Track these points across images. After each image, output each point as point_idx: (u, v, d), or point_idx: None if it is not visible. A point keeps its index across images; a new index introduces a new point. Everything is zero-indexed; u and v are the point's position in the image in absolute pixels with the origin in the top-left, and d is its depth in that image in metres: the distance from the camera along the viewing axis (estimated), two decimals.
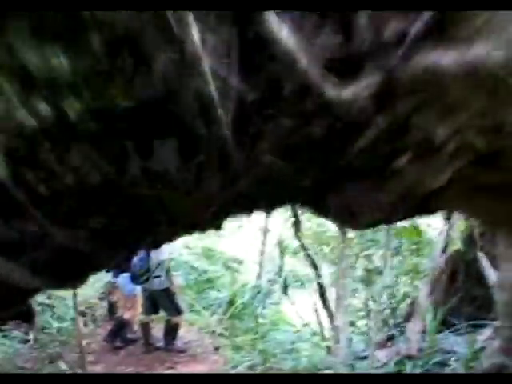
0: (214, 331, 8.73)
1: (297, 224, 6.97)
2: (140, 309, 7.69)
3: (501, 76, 1.58)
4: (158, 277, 7.30)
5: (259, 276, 11.71)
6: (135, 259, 7.27)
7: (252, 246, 15.68)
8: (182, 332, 8.03)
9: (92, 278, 7.97)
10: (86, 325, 9.10)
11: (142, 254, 7.25)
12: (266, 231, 14.04)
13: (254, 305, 9.54)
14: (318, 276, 6.71)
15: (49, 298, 8.86)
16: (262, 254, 12.84)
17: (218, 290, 10.55)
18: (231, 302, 9.21)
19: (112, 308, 8.53)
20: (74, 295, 6.37)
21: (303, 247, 7.33)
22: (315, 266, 6.92)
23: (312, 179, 2.00)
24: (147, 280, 7.27)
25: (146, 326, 7.63)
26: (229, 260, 14.23)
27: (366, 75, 1.56)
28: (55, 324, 8.32)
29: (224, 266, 13.75)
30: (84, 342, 7.20)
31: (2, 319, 3.17)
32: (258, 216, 10.51)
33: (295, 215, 6.98)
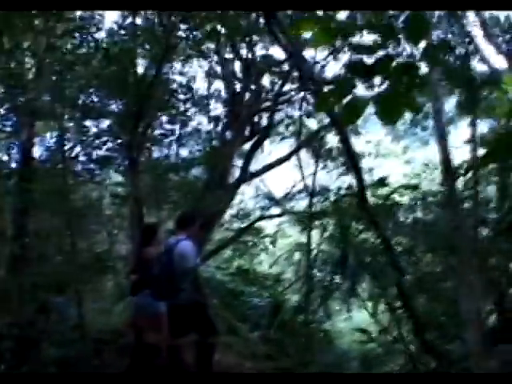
0: (254, 353, 7.13)
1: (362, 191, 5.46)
2: (166, 330, 6.09)
3: None
4: (185, 290, 5.72)
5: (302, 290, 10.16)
6: (156, 270, 5.75)
7: (288, 262, 14.19)
8: (217, 357, 6.39)
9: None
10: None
11: (164, 262, 5.73)
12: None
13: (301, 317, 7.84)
14: (396, 262, 5.13)
15: None
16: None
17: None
18: (275, 312, 7.40)
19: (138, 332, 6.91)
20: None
21: (371, 220, 5.75)
22: (393, 256, 5.37)
23: None
24: (173, 295, 5.69)
25: (174, 352, 6.00)
26: (265, 278, 12.59)
27: None
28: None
29: (261, 285, 12.13)
30: None
31: None
32: (292, 231, 9.06)
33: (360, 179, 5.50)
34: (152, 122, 10.99)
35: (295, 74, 12.43)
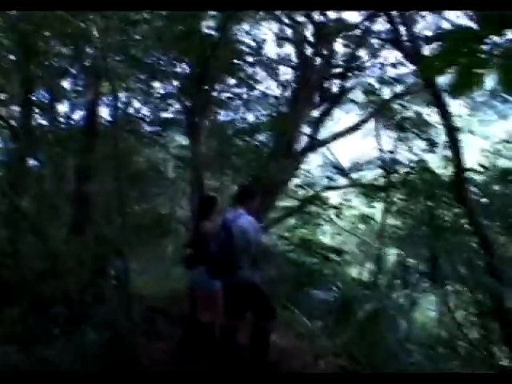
0: (313, 335, 6.51)
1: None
2: (221, 310, 5.55)
3: None
4: (244, 268, 5.11)
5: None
6: (213, 246, 5.16)
7: (352, 235, 13.48)
8: (274, 338, 5.80)
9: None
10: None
11: (222, 238, 5.12)
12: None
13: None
14: (495, 268, 4.38)
15: None
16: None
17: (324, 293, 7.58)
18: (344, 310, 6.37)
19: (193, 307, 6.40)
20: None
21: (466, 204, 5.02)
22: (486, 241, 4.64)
23: None
24: (230, 273, 5.10)
25: (228, 332, 5.45)
26: (328, 251, 11.84)
27: None
28: None
29: (323, 257, 11.41)
30: None
31: None
32: (358, 203, 8.30)
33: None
34: (218, 84, 10.36)
35: (369, 38, 11.56)
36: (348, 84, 11.88)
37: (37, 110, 11.17)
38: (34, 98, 10.96)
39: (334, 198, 12.20)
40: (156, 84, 12.30)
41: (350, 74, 11.85)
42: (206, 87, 9.10)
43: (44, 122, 11.68)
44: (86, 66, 10.94)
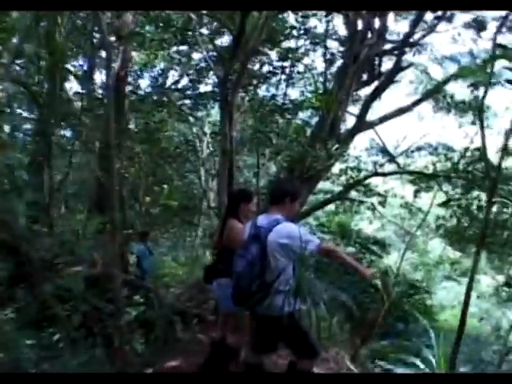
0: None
1: None
2: (244, 334, 4.02)
3: None
4: (278, 294, 3.50)
5: None
6: (240, 265, 3.52)
7: (394, 224, 11.80)
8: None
9: None
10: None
11: (251, 253, 3.50)
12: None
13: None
14: None
15: None
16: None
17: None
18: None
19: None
20: None
21: None
22: None
23: None
24: (258, 302, 3.52)
25: (253, 371, 3.89)
26: (368, 241, 10.21)
27: None
28: None
29: (363, 247, 9.82)
30: None
31: None
32: (402, 190, 6.69)
33: None
34: (258, 57, 8.72)
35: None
36: (400, 62, 10.09)
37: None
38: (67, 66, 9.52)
39: (378, 184, 10.50)
40: (195, 56, 10.80)
41: (402, 52, 10.05)
42: (242, 58, 7.39)
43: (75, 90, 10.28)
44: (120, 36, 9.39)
